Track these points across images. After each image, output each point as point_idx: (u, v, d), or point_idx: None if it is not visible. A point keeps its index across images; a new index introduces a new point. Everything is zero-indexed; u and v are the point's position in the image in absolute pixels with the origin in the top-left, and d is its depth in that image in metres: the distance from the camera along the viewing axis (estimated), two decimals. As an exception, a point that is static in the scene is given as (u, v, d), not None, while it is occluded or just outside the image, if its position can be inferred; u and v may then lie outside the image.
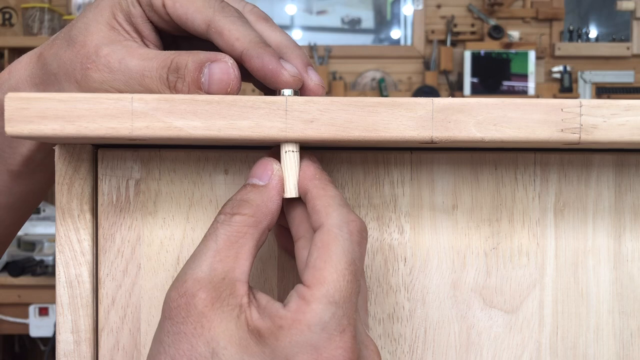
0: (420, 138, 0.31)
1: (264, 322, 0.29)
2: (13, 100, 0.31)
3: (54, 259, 1.92)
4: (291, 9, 2.76)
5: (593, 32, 2.66)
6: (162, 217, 0.37)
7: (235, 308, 0.29)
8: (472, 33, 2.61)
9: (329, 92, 2.50)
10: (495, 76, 2.56)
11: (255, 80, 0.41)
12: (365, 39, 2.77)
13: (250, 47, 0.35)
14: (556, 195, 0.38)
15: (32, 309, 2.05)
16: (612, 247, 0.38)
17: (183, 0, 0.37)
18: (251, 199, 0.31)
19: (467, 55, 2.56)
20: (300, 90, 0.36)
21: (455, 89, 2.60)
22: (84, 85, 0.37)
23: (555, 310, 0.38)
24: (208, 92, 0.34)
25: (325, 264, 0.29)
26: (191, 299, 0.29)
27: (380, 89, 2.59)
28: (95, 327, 0.37)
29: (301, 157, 0.33)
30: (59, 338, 0.37)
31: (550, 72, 2.62)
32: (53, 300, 1.96)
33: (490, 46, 2.57)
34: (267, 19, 0.40)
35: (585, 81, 2.60)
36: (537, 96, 2.54)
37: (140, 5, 0.38)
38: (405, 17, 2.73)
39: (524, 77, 2.56)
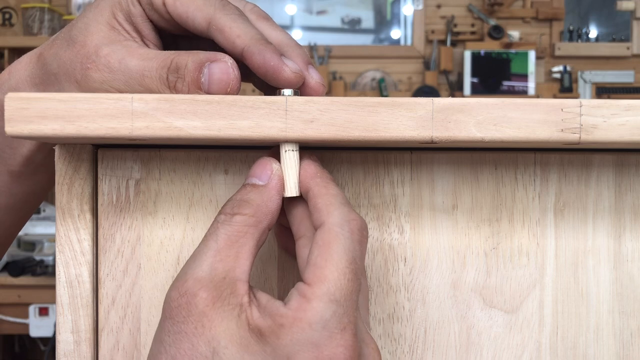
0: (420, 138, 0.31)
1: (264, 321, 0.29)
2: (13, 100, 0.31)
3: (54, 259, 1.93)
4: (291, 9, 2.76)
5: (593, 32, 2.66)
6: (162, 217, 0.37)
7: (236, 307, 0.29)
8: (472, 33, 2.61)
9: (329, 92, 2.50)
10: (495, 76, 2.56)
11: (256, 80, 0.41)
12: (365, 39, 2.77)
13: (252, 44, 0.35)
14: (556, 195, 0.38)
15: (32, 309, 2.05)
16: (612, 247, 0.38)
17: None
18: (251, 199, 0.32)
19: (467, 55, 2.56)
20: (301, 88, 0.36)
21: (455, 89, 2.60)
22: (84, 85, 0.37)
23: (555, 310, 0.38)
24: (208, 92, 0.34)
25: (327, 262, 0.29)
26: (192, 298, 0.29)
27: (380, 89, 2.59)
28: (95, 327, 0.37)
29: (302, 156, 0.33)
30: (59, 338, 0.37)
31: (550, 72, 2.62)
32: (53, 300, 1.96)
33: (490, 46, 2.57)
34: (267, 18, 0.40)
35: (585, 81, 2.60)
36: (537, 96, 2.54)
37: (141, 5, 0.38)
38: (405, 17, 2.73)
39: (524, 77, 2.56)
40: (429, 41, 2.63)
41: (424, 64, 2.62)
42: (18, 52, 2.38)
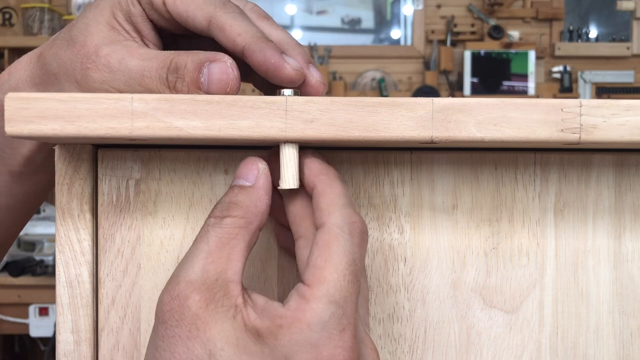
0: (420, 138, 0.31)
1: (262, 322, 0.29)
2: (13, 100, 0.31)
3: (54, 259, 1.92)
4: (291, 9, 2.76)
5: (593, 32, 2.66)
6: (162, 217, 0.37)
7: (231, 309, 0.29)
8: (472, 33, 2.61)
9: (329, 92, 2.50)
10: (495, 76, 2.56)
11: (256, 80, 0.41)
12: (365, 39, 2.77)
13: (252, 41, 0.35)
14: (556, 195, 0.38)
15: (32, 309, 2.05)
16: (612, 247, 0.38)
17: None
18: (240, 201, 0.31)
19: (467, 55, 2.56)
20: (302, 87, 0.36)
21: (455, 89, 2.60)
22: (84, 85, 0.37)
23: (555, 310, 0.38)
24: (207, 92, 0.34)
25: (326, 263, 0.29)
26: (184, 301, 0.29)
27: (380, 89, 2.59)
28: (95, 327, 0.37)
29: (306, 153, 0.33)
30: (59, 338, 0.37)
31: (550, 72, 2.62)
32: (53, 300, 1.96)
33: (490, 46, 2.57)
34: (267, 17, 0.40)
35: (585, 81, 2.60)
36: (537, 96, 2.54)
37: (140, 5, 0.38)
38: (405, 17, 2.73)
39: (524, 77, 2.56)
40: (429, 41, 2.63)
41: (424, 64, 2.62)
42: (18, 52, 2.38)
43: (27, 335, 2.15)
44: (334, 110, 0.31)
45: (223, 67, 0.34)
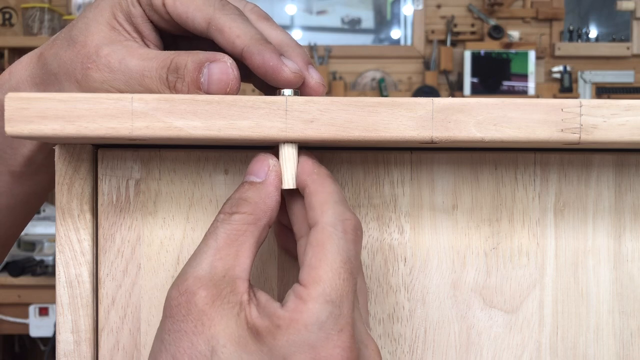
0: (420, 138, 0.31)
1: (262, 321, 0.29)
2: (13, 100, 0.31)
3: (54, 259, 1.92)
4: (291, 9, 2.76)
5: (593, 32, 2.66)
6: (162, 217, 0.37)
7: (236, 306, 0.29)
8: (472, 33, 2.61)
9: (329, 92, 2.50)
10: (495, 76, 2.56)
11: (256, 80, 0.41)
12: (365, 39, 2.77)
13: (251, 44, 0.35)
14: (556, 195, 0.38)
15: (32, 309, 2.05)
16: (612, 247, 0.38)
17: None
18: (249, 197, 0.31)
19: (467, 55, 2.56)
20: (301, 88, 0.36)
21: (455, 89, 2.60)
22: (84, 85, 0.37)
23: (555, 310, 0.38)
24: (207, 92, 0.34)
25: (321, 263, 0.29)
26: (192, 297, 0.29)
27: (380, 89, 2.59)
28: (95, 327, 0.37)
29: (299, 153, 0.33)
30: (59, 338, 0.37)
31: (550, 72, 2.62)
32: (53, 300, 1.96)
33: (490, 46, 2.57)
34: (267, 18, 0.40)
35: (585, 81, 2.60)
36: (537, 96, 2.54)
37: (141, 5, 0.38)
38: (405, 17, 2.73)
39: (524, 77, 2.56)
40: (429, 41, 2.63)
41: (424, 64, 2.62)
42: (18, 52, 2.38)
43: (27, 335, 2.15)
44: (334, 110, 0.31)
45: (223, 67, 0.34)
